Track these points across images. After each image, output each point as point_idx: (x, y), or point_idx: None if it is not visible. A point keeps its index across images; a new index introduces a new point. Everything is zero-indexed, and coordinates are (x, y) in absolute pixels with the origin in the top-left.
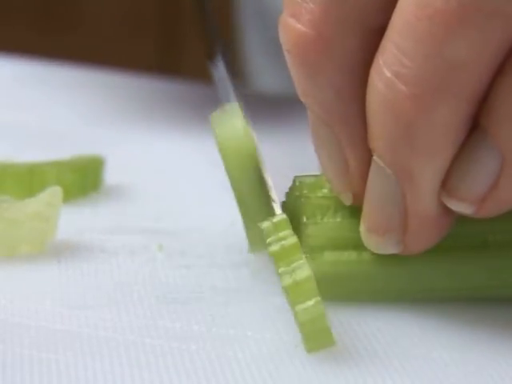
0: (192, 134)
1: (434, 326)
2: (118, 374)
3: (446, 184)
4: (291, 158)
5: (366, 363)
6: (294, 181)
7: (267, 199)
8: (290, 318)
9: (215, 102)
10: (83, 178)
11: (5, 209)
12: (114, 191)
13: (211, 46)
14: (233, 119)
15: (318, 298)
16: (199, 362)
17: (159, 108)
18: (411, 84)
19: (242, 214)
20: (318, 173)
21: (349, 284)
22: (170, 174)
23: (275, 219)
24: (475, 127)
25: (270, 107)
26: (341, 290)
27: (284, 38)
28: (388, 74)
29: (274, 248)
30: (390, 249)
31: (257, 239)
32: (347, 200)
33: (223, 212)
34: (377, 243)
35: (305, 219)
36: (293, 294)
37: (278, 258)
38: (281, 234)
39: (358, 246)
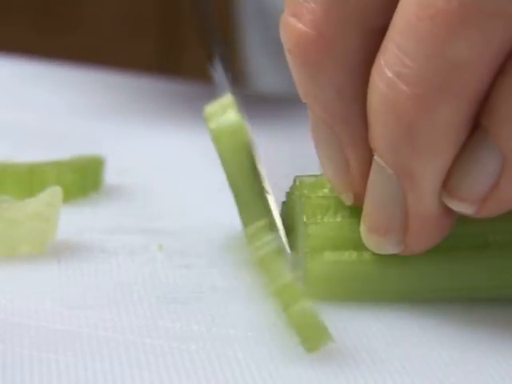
0: (192, 134)
1: (434, 325)
2: (118, 374)
3: (447, 184)
4: (291, 158)
5: (367, 363)
6: (295, 181)
7: (261, 190)
8: None
9: None
10: (83, 178)
11: (5, 209)
12: (114, 191)
13: (210, 50)
14: (226, 110)
15: (306, 300)
16: (199, 362)
17: (159, 108)
18: (413, 84)
19: (236, 204)
20: (318, 173)
21: (349, 284)
22: (170, 174)
23: (255, 226)
24: (476, 127)
25: (271, 107)
26: (341, 289)
27: (285, 38)
28: (389, 74)
29: (258, 255)
30: (391, 249)
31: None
32: (348, 200)
33: (223, 212)
34: (377, 243)
35: (305, 219)
36: (280, 298)
37: (262, 266)
38: (262, 241)
39: (359, 245)
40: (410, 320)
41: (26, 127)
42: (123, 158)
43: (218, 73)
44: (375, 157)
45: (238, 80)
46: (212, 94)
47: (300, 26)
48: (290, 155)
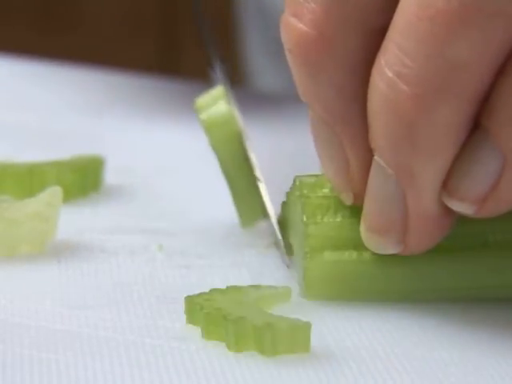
0: (192, 134)
1: (434, 325)
2: (118, 374)
3: (446, 184)
4: (291, 157)
5: (367, 363)
6: (295, 180)
7: (254, 178)
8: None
9: None
10: (83, 178)
11: (5, 209)
12: (114, 191)
13: (210, 53)
14: (216, 101)
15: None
16: (199, 362)
17: (159, 108)
18: (413, 84)
19: (230, 192)
20: (318, 172)
21: (349, 284)
22: (171, 174)
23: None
24: (476, 127)
25: (271, 107)
26: (341, 289)
27: (286, 38)
28: (390, 74)
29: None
30: (391, 249)
31: (247, 215)
32: (348, 200)
33: (223, 212)
34: (377, 243)
35: (305, 219)
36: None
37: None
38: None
39: (359, 245)
40: (411, 320)
41: (26, 127)
42: (123, 158)
43: (217, 74)
44: (375, 157)
45: (238, 80)
46: None
47: (300, 25)
48: (290, 155)
